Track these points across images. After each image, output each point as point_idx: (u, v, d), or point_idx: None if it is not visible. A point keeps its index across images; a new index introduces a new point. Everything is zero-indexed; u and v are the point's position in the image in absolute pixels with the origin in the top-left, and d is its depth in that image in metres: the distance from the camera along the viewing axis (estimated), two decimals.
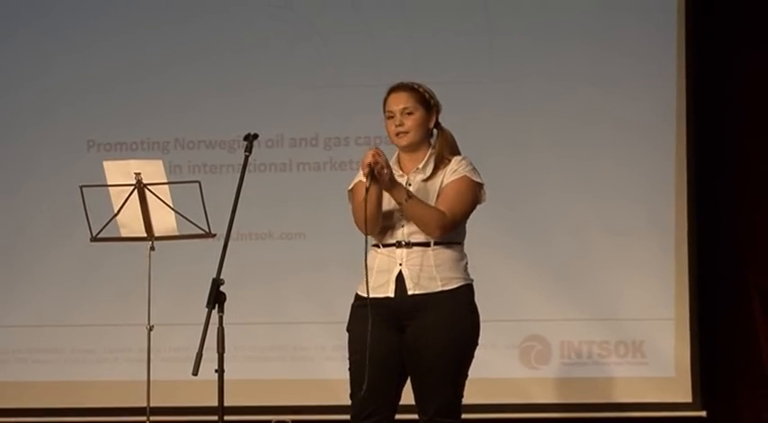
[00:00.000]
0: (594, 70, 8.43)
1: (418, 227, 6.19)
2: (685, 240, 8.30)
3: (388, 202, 6.22)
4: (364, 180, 6.01)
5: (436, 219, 6.17)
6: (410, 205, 6.14)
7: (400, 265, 6.23)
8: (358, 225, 6.18)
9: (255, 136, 6.67)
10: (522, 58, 8.48)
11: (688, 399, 8.25)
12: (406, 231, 6.26)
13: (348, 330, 6.23)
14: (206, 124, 8.54)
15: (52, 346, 8.61)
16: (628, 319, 8.31)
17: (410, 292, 6.18)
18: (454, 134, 6.31)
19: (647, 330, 8.30)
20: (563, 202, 8.39)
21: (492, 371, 8.26)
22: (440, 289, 6.24)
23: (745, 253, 8.44)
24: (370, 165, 6.00)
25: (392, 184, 6.09)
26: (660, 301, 8.29)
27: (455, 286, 6.27)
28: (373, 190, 6.01)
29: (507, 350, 8.34)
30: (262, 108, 8.35)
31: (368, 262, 6.19)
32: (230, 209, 6.46)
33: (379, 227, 6.18)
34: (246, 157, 6.62)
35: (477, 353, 8.24)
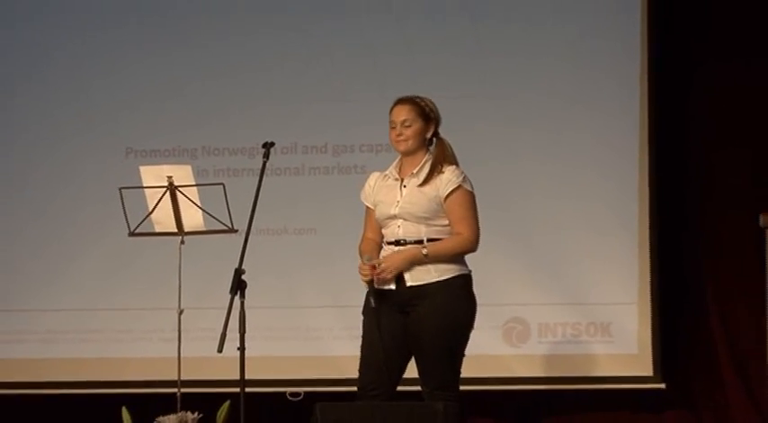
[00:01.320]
0: (571, 88, 8.36)
1: (458, 254, 6.29)
2: (647, 237, 8.22)
3: (387, 209, 6.32)
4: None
5: (465, 244, 6.28)
6: (432, 257, 6.24)
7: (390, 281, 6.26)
8: (360, 250, 6.39)
9: (272, 144, 6.75)
10: (509, 77, 8.41)
11: (649, 373, 8.19)
12: (401, 231, 6.28)
13: (363, 313, 6.29)
14: (229, 133, 8.49)
15: (96, 327, 8.57)
16: (597, 303, 8.26)
17: (408, 284, 6.20)
18: (452, 143, 6.31)
19: (613, 313, 8.24)
20: (544, 204, 8.33)
21: (479, 348, 8.12)
22: (435, 280, 6.24)
23: (702, 249, 8.37)
24: (369, 283, 6.19)
25: (401, 269, 6.23)
26: (625, 289, 8.23)
27: (449, 277, 6.25)
28: None
29: (492, 330, 8.25)
30: (278, 119, 8.30)
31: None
32: (250, 207, 6.50)
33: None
34: (264, 163, 6.69)
35: None
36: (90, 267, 8.56)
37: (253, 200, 6.60)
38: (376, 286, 6.20)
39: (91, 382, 8.48)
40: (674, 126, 8.39)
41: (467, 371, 8.20)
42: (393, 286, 6.23)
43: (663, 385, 8.18)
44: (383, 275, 6.20)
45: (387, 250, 6.28)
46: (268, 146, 6.76)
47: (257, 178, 6.68)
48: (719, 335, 8.27)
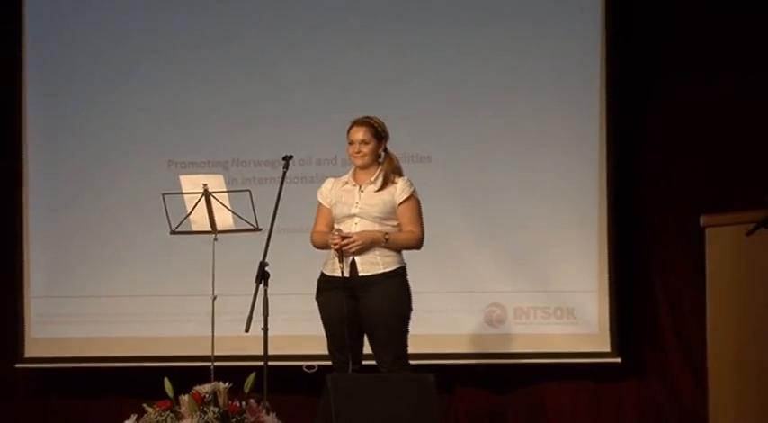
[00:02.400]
0: (538, 99, 8.34)
1: (407, 248, 6.48)
2: (606, 234, 8.22)
3: (346, 209, 6.49)
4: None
5: (415, 240, 6.47)
6: (391, 242, 6.45)
7: (353, 254, 6.40)
8: (314, 241, 6.65)
9: (291, 157, 6.85)
10: (483, 98, 8.40)
11: (607, 349, 8.21)
12: (358, 228, 6.46)
13: (317, 299, 6.51)
14: (255, 148, 8.49)
15: (142, 310, 8.57)
16: (563, 291, 8.26)
17: (360, 274, 6.37)
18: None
19: (577, 299, 8.25)
20: (518, 204, 8.32)
21: (464, 329, 8.31)
22: (382, 271, 6.41)
23: (652, 245, 8.38)
24: (339, 251, 6.39)
25: (365, 245, 6.41)
26: (587, 278, 8.24)
27: (392, 268, 6.44)
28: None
29: (475, 313, 8.29)
30: (296, 136, 8.30)
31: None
32: (272, 210, 6.61)
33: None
34: (284, 173, 6.78)
35: (453, 314, 8.33)
36: (138, 260, 8.56)
37: (274, 204, 6.72)
38: (343, 253, 6.40)
39: (139, 357, 8.48)
40: (631, 133, 8.34)
41: (453, 347, 8.37)
42: (347, 275, 6.40)
43: (618, 359, 8.18)
44: (351, 245, 6.38)
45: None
46: (287, 158, 6.86)
47: (278, 185, 6.81)
48: (666, 317, 8.29)
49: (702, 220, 6.40)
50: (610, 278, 8.20)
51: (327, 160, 8.30)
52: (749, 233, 5.84)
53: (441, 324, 8.21)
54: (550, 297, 8.28)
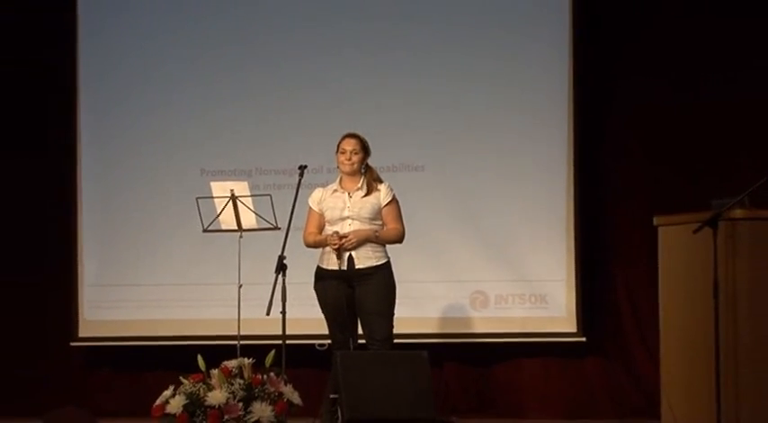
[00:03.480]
0: (514, 118, 8.31)
1: (391, 243, 6.56)
2: (573, 232, 8.20)
3: (338, 212, 6.54)
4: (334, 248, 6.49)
5: (399, 235, 6.55)
6: (381, 238, 6.53)
7: (350, 250, 6.46)
8: (307, 241, 6.68)
9: (305, 167, 6.88)
10: (468, 116, 8.38)
11: (574, 330, 8.20)
12: (352, 228, 6.50)
13: (315, 289, 6.52)
14: (275, 159, 8.47)
15: (178, 297, 8.58)
16: (536, 280, 8.24)
17: (357, 267, 6.42)
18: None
19: (548, 287, 8.23)
20: (498, 206, 8.29)
21: (452, 312, 8.31)
22: (374, 264, 6.48)
23: (613, 241, 8.36)
24: (338, 250, 6.45)
25: (360, 241, 6.48)
26: (557, 269, 8.22)
27: (383, 262, 6.51)
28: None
29: (461, 299, 8.28)
30: (309, 149, 8.22)
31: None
32: (289, 211, 6.60)
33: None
34: (300, 180, 6.79)
35: (443, 300, 8.34)
36: (175, 254, 8.56)
37: (291, 206, 6.73)
38: (341, 251, 6.46)
39: (176, 337, 8.48)
40: (595, 138, 8.28)
41: (443, 328, 8.34)
42: (345, 267, 6.46)
43: (584, 339, 8.18)
44: (348, 244, 6.45)
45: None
46: (302, 168, 6.90)
47: (294, 190, 6.84)
48: (625, 303, 8.27)
49: (655, 220, 6.40)
50: (576, 270, 8.18)
51: (336, 169, 8.21)
52: (696, 231, 5.84)
53: (432, 308, 8.23)
54: (526, 285, 8.26)
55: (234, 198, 7.08)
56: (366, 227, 6.54)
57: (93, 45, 8.86)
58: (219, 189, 7.16)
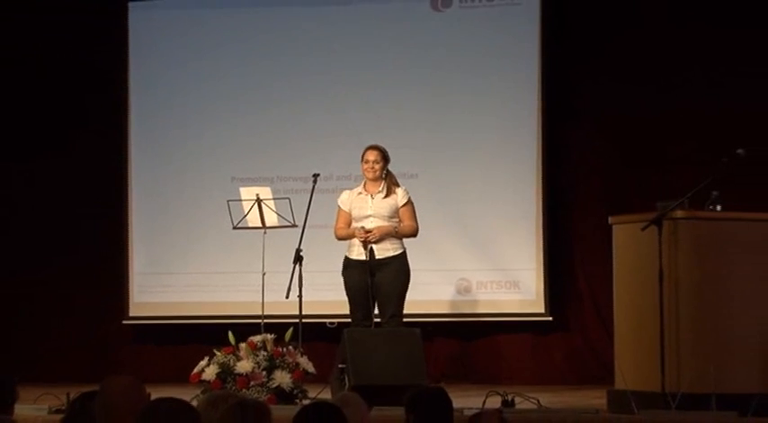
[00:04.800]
0: (494, 134, 8.29)
1: (407, 238, 6.57)
2: (542, 227, 8.19)
3: (363, 211, 6.56)
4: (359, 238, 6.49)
5: (414, 230, 6.57)
6: (399, 233, 6.56)
7: (374, 243, 6.46)
8: (338, 235, 6.68)
9: (318, 175, 6.91)
10: (455, 132, 8.33)
11: (542, 311, 8.19)
12: (374, 225, 6.51)
13: (343, 275, 6.54)
14: (292, 168, 8.42)
15: (212, 283, 8.57)
16: (511, 269, 8.23)
17: (377, 257, 6.42)
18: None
19: (521, 275, 8.22)
20: (480, 208, 8.28)
21: (440, 296, 8.33)
22: (392, 254, 6.50)
23: (575, 236, 8.33)
24: (364, 242, 6.46)
25: (382, 235, 6.51)
26: (528, 261, 8.20)
27: (399, 252, 6.54)
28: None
29: (448, 285, 8.28)
30: (321, 159, 8.16)
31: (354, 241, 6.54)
32: (305, 212, 6.67)
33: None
34: (313, 186, 6.83)
35: (434, 286, 8.33)
36: (210, 247, 8.54)
37: (306, 207, 6.78)
38: (366, 243, 6.46)
39: (210, 316, 8.44)
40: (560, 153, 8.24)
41: (432, 309, 8.31)
42: (367, 258, 6.46)
43: (550, 318, 8.17)
44: (372, 237, 6.47)
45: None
46: (316, 176, 6.94)
47: (309, 194, 6.86)
48: (585, 290, 8.23)
49: (610, 220, 6.39)
50: (544, 261, 8.17)
51: (344, 176, 8.23)
52: (644, 229, 5.86)
53: (425, 292, 8.13)
54: (503, 273, 8.25)
55: (259, 201, 7.06)
56: (386, 223, 6.58)
57: (142, 56, 8.85)
58: (247, 193, 7.14)
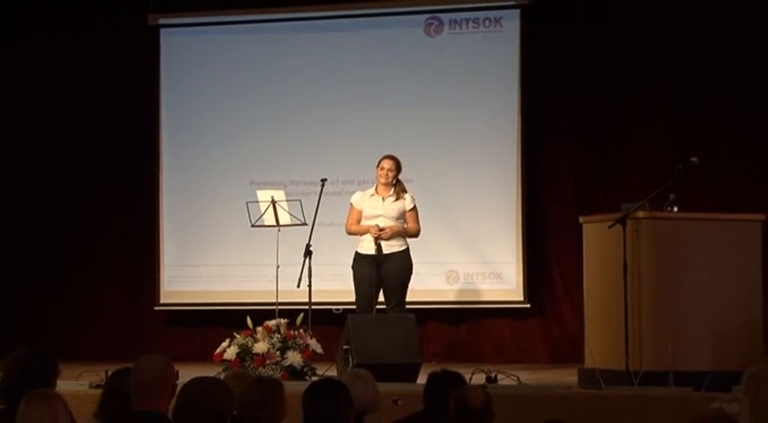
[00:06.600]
0: (477, 142, 8.25)
1: (412, 237, 6.57)
2: (521, 226, 8.17)
3: (374, 211, 6.51)
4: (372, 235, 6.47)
5: (417, 232, 6.60)
6: (406, 232, 6.55)
7: (384, 240, 6.44)
8: (349, 230, 6.62)
9: (325, 179, 6.87)
10: (445, 141, 8.34)
11: (521, 299, 8.17)
12: (382, 224, 6.48)
13: (353, 268, 6.49)
14: (303, 173, 8.36)
15: (233, 273, 8.53)
16: (495, 262, 8.21)
17: (384, 252, 6.40)
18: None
19: (503, 267, 8.20)
20: (467, 209, 8.24)
21: (431, 286, 8.27)
22: (397, 249, 6.48)
23: (551, 233, 8.28)
24: (376, 238, 6.43)
25: (393, 234, 6.50)
26: (509, 255, 8.18)
27: (403, 248, 6.53)
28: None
29: (438, 276, 8.25)
30: (328, 165, 8.09)
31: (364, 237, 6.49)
32: (314, 212, 6.64)
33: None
34: (321, 189, 6.80)
35: (424, 276, 8.29)
36: (231, 243, 8.49)
37: (315, 208, 6.76)
38: (378, 239, 6.45)
39: (231, 303, 8.38)
40: (537, 159, 8.19)
41: (425, 297, 8.27)
42: (375, 252, 6.43)
43: (528, 305, 8.16)
44: (384, 234, 6.46)
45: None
46: (324, 180, 6.92)
47: (317, 197, 6.84)
48: (559, 281, 8.18)
49: (581, 219, 6.42)
50: (523, 255, 8.15)
51: (348, 181, 8.20)
52: (610, 227, 5.87)
53: (419, 282, 7.98)
54: (487, 266, 8.22)
55: (273, 202, 7.04)
56: (393, 223, 6.62)
57: (173, 77, 8.80)
58: (263, 196, 7.11)
